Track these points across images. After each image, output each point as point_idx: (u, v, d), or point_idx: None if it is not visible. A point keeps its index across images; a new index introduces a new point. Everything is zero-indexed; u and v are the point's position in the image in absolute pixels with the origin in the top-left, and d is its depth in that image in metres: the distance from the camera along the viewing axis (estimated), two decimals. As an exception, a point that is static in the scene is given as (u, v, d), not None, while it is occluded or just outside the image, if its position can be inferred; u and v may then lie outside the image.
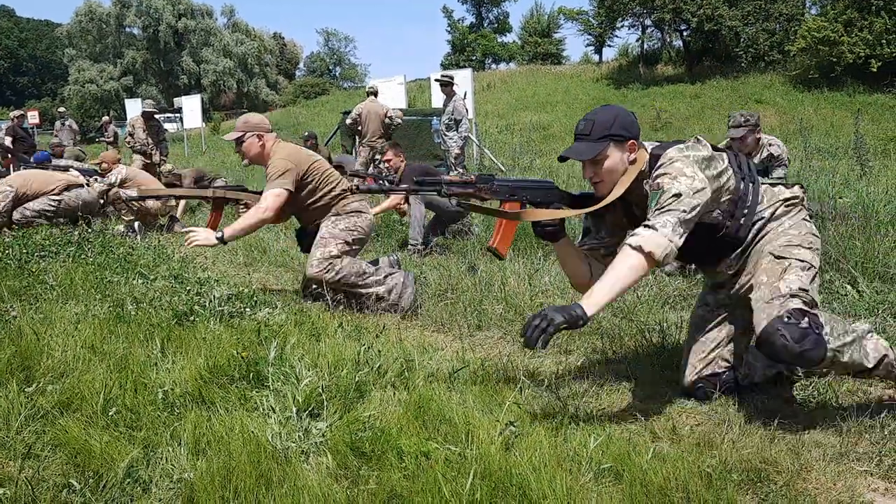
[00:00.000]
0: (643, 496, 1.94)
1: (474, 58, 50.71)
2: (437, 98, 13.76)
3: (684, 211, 2.32)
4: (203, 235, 4.10)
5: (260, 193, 4.38)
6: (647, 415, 2.61)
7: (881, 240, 4.69)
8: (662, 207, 2.33)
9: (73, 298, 4.03)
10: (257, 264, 5.92)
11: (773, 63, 25.28)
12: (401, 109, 11.89)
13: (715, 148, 2.61)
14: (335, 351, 3.03)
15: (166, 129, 12.37)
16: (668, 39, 31.41)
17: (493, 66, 51.97)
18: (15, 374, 2.77)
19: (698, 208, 2.36)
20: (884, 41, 21.09)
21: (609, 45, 39.60)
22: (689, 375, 2.75)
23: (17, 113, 14.90)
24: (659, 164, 2.47)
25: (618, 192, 2.51)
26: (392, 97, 15.33)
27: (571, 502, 1.86)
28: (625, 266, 2.28)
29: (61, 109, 19.16)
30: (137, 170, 8.82)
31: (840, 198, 6.84)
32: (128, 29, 50.91)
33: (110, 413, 2.44)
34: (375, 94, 10.84)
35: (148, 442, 2.27)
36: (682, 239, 2.33)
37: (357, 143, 10.76)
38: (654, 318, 3.79)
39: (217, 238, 4.08)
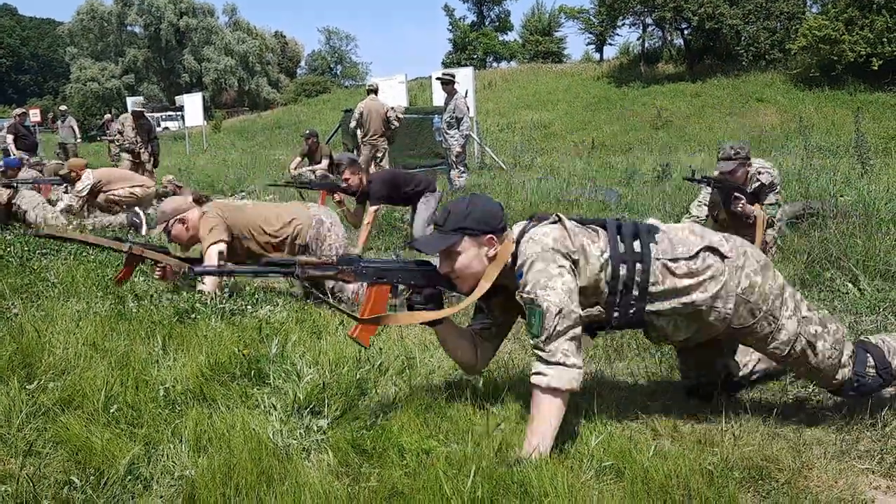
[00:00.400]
0: (644, 493, 1.94)
1: (475, 56, 50.71)
2: (439, 96, 13.74)
3: (571, 326, 2.15)
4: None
5: (185, 260, 4.21)
6: (649, 412, 2.61)
7: (882, 238, 4.69)
8: (551, 333, 2.13)
9: (74, 296, 4.02)
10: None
11: (773, 61, 25.28)
12: (402, 107, 11.78)
13: (589, 223, 2.37)
14: (336, 348, 3.03)
15: (166, 127, 12.42)
16: (669, 38, 31.40)
17: (495, 64, 51.99)
18: (16, 371, 2.76)
19: (578, 309, 2.18)
20: (885, 39, 21.09)
21: (610, 44, 39.66)
22: (690, 381, 2.73)
23: (19, 111, 14.92)
24: (520, 263, 2.24)
25: (483, 287, 2.30)
26: (393, 95, 15.30)
27: (573, 499, 1.85)
28: (549, 412, 2.13)
29: (63, 108, 19.17)
30: (107, 170, 8.61)
31: (841, 196, 6.85)
32: (129, 27, 50.97)
33: (111, 410, 2.44)
34: (375, 91, 10.81)
35: (149, 439, 2.27)
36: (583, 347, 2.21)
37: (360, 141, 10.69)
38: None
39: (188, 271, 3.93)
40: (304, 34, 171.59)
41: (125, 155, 10.69)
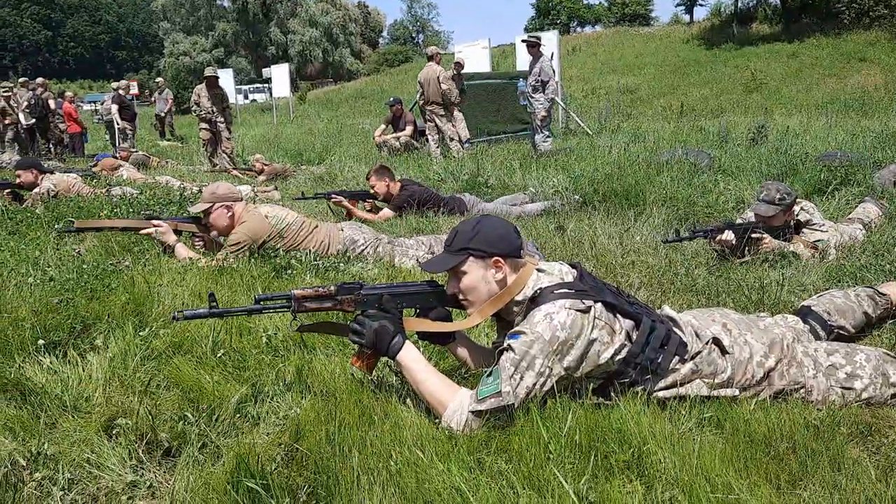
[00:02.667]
0: (747, 445, 1.90)
1: (559, 21, 49.77)
2: (522, 62, 13.58)
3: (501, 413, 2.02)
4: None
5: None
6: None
7: None
8: (486, 410, 2.00)
9: (177, 252, 4.21)
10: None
11: (878, 19, 23.76)
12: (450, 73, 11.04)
13: (619, 311, 2.16)
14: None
15: (254, 99, 12.66)
16: (765, -4, 29.96)
17: (579, 28, 50.92)
18: (129, 318, 2.93)
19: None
20: None
21: (701, 4, 38.37)
22: None
23: (122, 83, 15.69)
24: (521, 326, 2.08)
25: (487, 312, 2.20)
26: (476, 61, 15.22)
27: (672, 448, 1.84)
28: (446, 387, 2.09)
29: (158, 80, 19.95)
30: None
31: (956, 156, 6.44)
32: (218, 2, 52.27)
33: (219, 355, 2.56)
34: (431, 58, 10.80)
35: (255, 381, 2.38)
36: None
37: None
38: (754, 275, 3.67)
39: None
40: (386, 4, 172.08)
41: (203, 124, 11.05)
